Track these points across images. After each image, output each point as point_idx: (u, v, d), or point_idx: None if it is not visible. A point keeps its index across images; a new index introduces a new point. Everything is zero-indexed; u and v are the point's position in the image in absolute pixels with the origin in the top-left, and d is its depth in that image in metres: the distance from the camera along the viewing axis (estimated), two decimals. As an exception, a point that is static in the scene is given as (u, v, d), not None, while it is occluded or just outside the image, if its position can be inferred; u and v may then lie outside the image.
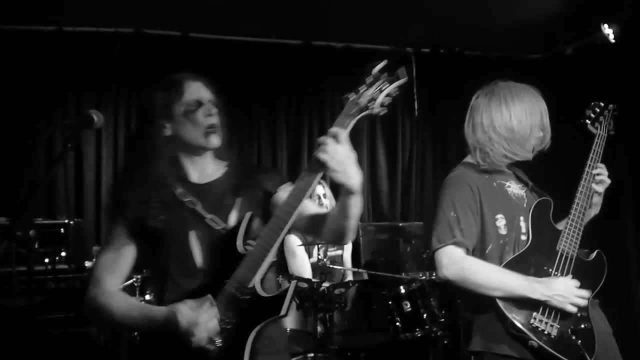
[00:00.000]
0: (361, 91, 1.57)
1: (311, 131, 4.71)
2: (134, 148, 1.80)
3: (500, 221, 1.98)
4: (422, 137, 4.94)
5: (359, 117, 1.56)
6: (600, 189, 2.12)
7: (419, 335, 3.29)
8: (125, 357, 4.07)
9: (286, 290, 1.55)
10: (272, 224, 1.57)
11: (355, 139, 4.63)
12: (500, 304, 1.86)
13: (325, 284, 3.23)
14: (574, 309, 1.85)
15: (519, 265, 1.91)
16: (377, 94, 1.55)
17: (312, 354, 3.08)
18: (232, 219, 1.69)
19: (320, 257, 3.43)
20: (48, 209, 4.03)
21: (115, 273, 1.69)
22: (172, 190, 1.70)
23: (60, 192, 4.12)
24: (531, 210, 2.01)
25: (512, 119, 2.00)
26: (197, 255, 1.67)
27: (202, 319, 1.53)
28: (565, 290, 1.86)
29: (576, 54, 4.68)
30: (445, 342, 3.48)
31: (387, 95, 1.56)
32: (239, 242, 1.60)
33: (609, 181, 2.13)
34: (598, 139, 2.18)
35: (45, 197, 4.08)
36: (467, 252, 1.95)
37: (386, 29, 4.46)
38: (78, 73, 4.20)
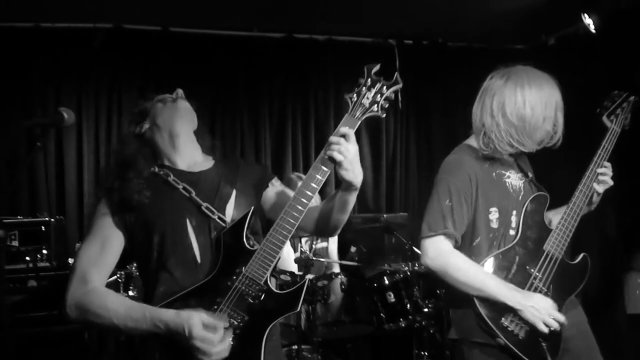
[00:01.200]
0: (362, 93, 1.62)
1: (295, 124, 4.70)
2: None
3: (494, 214, 1.95)
4: (406, 128, 4.94)
5: (363, 118, 1.61)
6: (601, 189, 2.04)
7: (403, 325, 3.31)
8: (111, 355, 4.06)
9: (302, 286, 1.56)
10: (283, 220, 1.56)
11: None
12: (476, 299, 1.87)
13: (309, 276, 3.24)
14: (545, 329, 1.83)
15: (502, 261, 1.91)
16: (378, 97, 1.61)
17: (295, 347, 3.09)
18: (230, 210, 1.67)
19: (303, 249, 3.44)
20: (30, 207, 4.00)
21: (101, 268, 1.60)
22: (163, 178, 1.68)
23: (41, 190, 4.08)
24: (525, 206, 1.98)
25: (526, 106, 1.89)
26: (195, 246, 1.62)
27: (216, 347, 1.46)
28: (542, 308, 1.85)
29: (559, 44, 4.69)
30: (431, 331, 3.50)
31: (386, 99, 1.61)
32: (246, 240, 1.58)
33: (611, 182, 2.04)
34: (610, 134, 2.05)
35: (27, 195, 4.05)
36: (456, 243, 1.94)
37: (369, 21, 4.45)
38: (57, 69, 4.16)
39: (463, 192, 1.92)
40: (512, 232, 1.97)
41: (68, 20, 4.14)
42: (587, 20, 3.71)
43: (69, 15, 4.09)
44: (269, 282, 1.56)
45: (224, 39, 4.49)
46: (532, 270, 1.92)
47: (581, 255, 2.04)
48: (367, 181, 4.80)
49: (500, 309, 1.86)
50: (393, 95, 1.62)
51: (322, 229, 1.76)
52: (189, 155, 1.75)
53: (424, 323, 3.44)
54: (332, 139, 1.56)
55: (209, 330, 1.47)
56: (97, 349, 4.02)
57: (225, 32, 4.48)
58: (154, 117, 1.75)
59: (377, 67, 1.64)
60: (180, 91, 1.81)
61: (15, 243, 3.23)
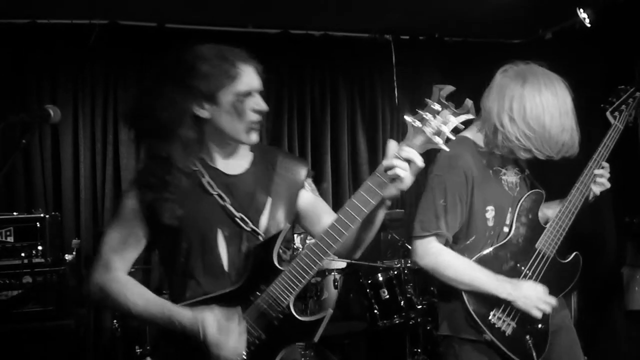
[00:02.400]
0: (426, 118, 1.45)
1: (291, 120, 4.69)
2: (147, 115, 1.55)
3: (490, 213, 1.94)
4: (402, 123, 4.92)
5: (423, 149, 1.45)
6: (598, 190, 2.03)
7: (397, 322, 3.32)
8: (106, 349, 4.09)
9: (323, 318, 1.52)
10: (320, 243, 1.48)
11: (335, 125, 4.69)
12: (464, 294, 1.88)
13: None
14: (538, 314, 1.85)
15: (494, 259, 1.91)
16: (443, 127, 1.44)
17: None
18: (264, 220, 1.61)
19: (296, 246, 3.44)
20: (26, 203, 4.01)
21: (124, 256, 1.59)
22: (198, 178, 1.58)
23: (38, 186, 4.09)
24: (520, 203, 1.97)
25: (545, 114, 1.82)
26: (224, 255, 1.58)
27: (230, 337, 1.47)
28: (533, 294, 1.86)
29: (556, 38, 4.67)
30: (428, 327, 3.51)
31: (454, 129, 1.45)
32: (276, 258, 1.53)
33: (608, 185, 2.02)
34: (612, 130, 2.03)
35: (24, 191, 4.07)
36: (447, 243, 1.93)
37: (365, 16, 4.43)
38: (53, 65, 4.16)
39: (458, 191, 1.89)
40: (505, 229, 1.96)
41: (64, 17, 4.14)
42: (582, 14, 3.69)
43: (65, 11, 4.08)
44: (291, 305, 1.51)
45: (219, 35, 4.48)
46: (523, 268, 1.92)
47: (573, 254, 2.03)
48: (364, 177, 4.79)
49: (489, 305, 1.87)
50: (462, 126, 1.46)
51: (348, 249, 1.67)
52: (231, 153, 1.64)
53: (419, 320, 3.45)
54: (394, 162, 1.42)
55: (223, 332, 1.47)
56: (92, 344, 4.06)
57: (220, 28, 4.47)
58: (224, 105, 1.55)
59: (447, 90, 1.47)
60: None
61: (10, 239, 3.24)
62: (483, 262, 1.90)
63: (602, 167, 2.02)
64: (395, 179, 1.43)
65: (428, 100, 1.45)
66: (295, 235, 3.56)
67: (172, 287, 1.63)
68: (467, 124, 1.50)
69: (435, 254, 1.89)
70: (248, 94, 1.56)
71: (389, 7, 4.26)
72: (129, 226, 1.59)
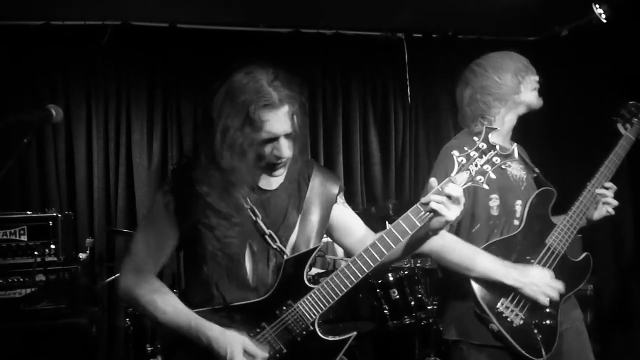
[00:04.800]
0: (473, 156, 1.48)
1: (302, 120, 4.68)
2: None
3: (494, 201, 1.96)
4: (415, 123, 4.88)
5: (464, 186, 1.48)
6: (603, 211, 2.04)
7: (407, 322, 3.28)
8: (118, 347, 4.13)
9: (347, 339, 1.55)
10: (352, 266, 1.51)
11: (347, 125, 4.66)
12: (473, 281, 1.86)
13: (311, 272, 3.23)
14: (546, 300, 1.83)
15: (503, 248, 1.90)
16: (487, 167, 1.48)
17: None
18: (293, 238, 1.63)
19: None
20: (40, 202, 4.07)
21: (155, 259, 1.60)
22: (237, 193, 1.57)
23: (52, 186, 4.14)
24: (531, 199, 1.98)
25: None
26: (250, 269, 1.59)
27: None
28: (539, 280, 1.84)
29: (572, 35, 4.59)
30: (441, 328, 3.47)
31: (495, 170, 1.48)
32: (305, 275, 1.55)
33: (615, 203, 2.04)
34: (624, 141, 2.09)
35: (38, 190, 4.12)
36: (451, 227, 1.93)
37: (376, 14, 4.40)
38: (67, 66, 4.21)
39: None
40: (516, 222, 1.97)
41: (77, 18, 4.19)
42: (598, 10, 3.63)
43: (78, 13, 4.13)
44: (316, 323, 1.53)
45: (231, 35, 4.50)
46: (532, 261, 1.92)
47: (584, 254, 2.03)
48: (376, 177, 4.77)
49: (498, 293, 1.85)
50: (501, 168, 1.48)
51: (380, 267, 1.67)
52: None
53: (430, 320, 3.41)
54: (437, 197, 1.45)
55: (249, 357, 1.48)
56: (104, 342, 4.10)
57: (232, 28, 4.48)
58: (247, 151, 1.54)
59: (496, 132, 1.52)
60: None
61: (24, 237, 3.29)
62: (491, 251, 1.89)
63: (607, 188, 2.03)
64: (447, 211, 1.45)
65: (476, 139, 1.49)
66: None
67: (192, 291, 1.63)
68: None
69: (439, 238, 1.88)
70: (270, 140, 1.54)
71: (401, 5, 4.22)
72: (162, 228, 1.59)
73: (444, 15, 4.46)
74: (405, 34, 4.74)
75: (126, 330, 3.72)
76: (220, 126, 1.51)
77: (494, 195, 1.95)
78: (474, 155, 1.47)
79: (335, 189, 1.73)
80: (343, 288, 1.51)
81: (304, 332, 1.53)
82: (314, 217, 1.66)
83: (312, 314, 1.52)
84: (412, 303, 3.30)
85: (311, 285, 1.53)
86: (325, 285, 1.51)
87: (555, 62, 4.51)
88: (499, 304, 1.85)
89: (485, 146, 1.48)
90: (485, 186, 1.48)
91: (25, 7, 3.95)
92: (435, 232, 1.54)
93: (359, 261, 1.51)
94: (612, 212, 2.06)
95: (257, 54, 4.53)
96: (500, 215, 1.96)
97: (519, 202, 1.98)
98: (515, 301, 1.86)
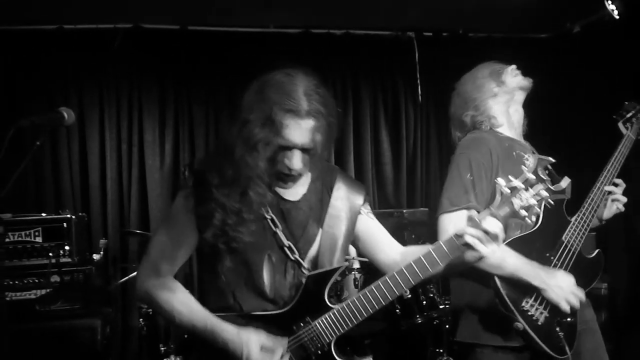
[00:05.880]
0: (518, 188, 1.38)
1: (312, 120, 4.68)
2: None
3: None
4: (426, 122, 4.86)
5: (504, 216, 1.40)
6: (614, 208, 2.07)
7: (419, 322, 3.27)
8: (132, 347, 4.16)
9: None
10: (375, 291, 1.48)
11: (358, 125, 4.65)
12: (497, 280, 1.84)
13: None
14: (567, 308, 1.80)
15: (523, 246, 1.88)
16: (532, 200, 1.38)
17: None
18: (313, 250, 1.60)
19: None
20: (55, 204, 4.12)
21: (172, 261, 1.59)
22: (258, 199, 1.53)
23: (66, 188, 4.19)
24: None
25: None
26: (267, 279, 1.56)
27: None
28: (565, 285, 1.82)
29: (584, 31, 4.54)
30: (449, 327, 3.45)
31: (543, 204, 1.40)
32: (327, 294, 1.52)
33: (624, 199, 2.07)
34: (626, 140, 2.15)
35: (52, 192, 4.17)
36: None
37: (386, 13, 4.39)
38: (80, 69, 4.25)
39: (484, 166, 1.91)
40: (532, 218, 1.95)
41: (89, 22, 4.23)
42: (611, 6, 3.58)
43: (91, 16, 4.17)
44: (332, 344, 1.50)
45: (241, 36, 4.51)
46: (552, 258, 1.91)
47: (596, 251, 2.03)
48: (387, 176, 4.76)
49: (522, 291, 1.83)
50: (551, 203, 1.43)
51: None
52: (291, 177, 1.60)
53: (442, 319, 3.40)
54: (473, 231, 1.38)
55: (266, 353, 1.46)
56: (119, 342, 4.13)
57: (242, 29, 4.50)
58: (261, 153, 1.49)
59: (547, 162, 1.45)
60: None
61: (38, 239, 3.33)
62: (512, 247, 1.87)
63: (616, 185, 2.06)
64: (482, 247, 1.39)
65: (524, 168, 1.40)
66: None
67: (207, 295, 1.62)
68: None
69: None
70: (286, 148, 1.50)
71: (411, 3, 4.21)
72: (181, 230, 1.57)
73: (454, 13, 4.43)
74: (415, 32, 4.72)
75: (140, 330, 3.76)
76: (242, 118, 1.48)
77: None
78: (520, 186, 1.36)
79: (359, 200, 1.67)
80: (364, 313, 1.48)
81: (319, 352, 1.50)
82: (338, 231, 1.61)
83: (329, 335, 1.49)
84: (424, 302, 3.29)
85: (331, 305, 1.50)
86: (346, 308, 1.48)
87: (568, 59, 4.48)
88: (523, 302, 1.83)
89: (533, 178, 1.37)
90: (529, 221, 1.39)
91: (38, 12, 4.00)
92: (468, 264, 1.48)
93: (383, 287, 1.47)
94: (622, 208, 2.07)
95: (267, 55, 4.54)
96: None
97: None
98: (539, 299, 1.85)
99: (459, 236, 1.41)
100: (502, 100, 2.09)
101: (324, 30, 4.64)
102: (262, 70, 5.12)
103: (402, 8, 4.28)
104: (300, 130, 1.46)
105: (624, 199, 2.06)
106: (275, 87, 1.49)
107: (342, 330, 1.49)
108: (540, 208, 1.38)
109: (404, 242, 4.48)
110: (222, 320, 1.52)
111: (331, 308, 1.50)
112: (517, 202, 1.36)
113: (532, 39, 4.87)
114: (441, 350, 3.42)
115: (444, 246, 1.43)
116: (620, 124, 2.22)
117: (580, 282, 1.90)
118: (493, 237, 1.38)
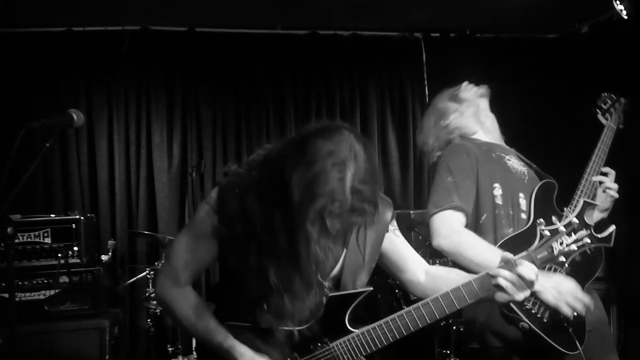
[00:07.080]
0: (560, 232, 1.32)
1: (320, 121, 4.68)
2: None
3: (497, 190, 1.97)
4: (433, 123, 4.85)
5: (541, 265, 1.35)
6: (609, 201, 2.04)
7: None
8: (140, 348, 4.18)
9: None
10: (398, 321, 1.45)
11: (365, 126, 4.66)
12: None
13: None
14: (568, 311, 1.74)
15: (517, 244, 1.85)
16: (574, 246, 1.32)
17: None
18: (335, 271, 1.55)
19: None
20: (64, 205, 4.14)
21: (194, 270, 1.57)
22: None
23: (75, 189, 4.23)
24: (535, 191, 1.98)
25: None
26: (287, 298, 1.49)
27: None
28: (564, 289, 1.76)
29: (592, 32, 4.51)
30: (461, 329, 3.44)
31: (582, 253, 1.33)
32: (348, 317, 1.48)
33: (615, 186, 2.05)
34: (607, 130, 2.20)
35: (61, 194, 4.21)
36: (466, 216, 1.93)
37: (393, 14, 4.39)
38: (88, 71, 4.29)
39: (464, 168, 1.96)
40: (523, 216, 1.96)
41: (98, 24, 4.26)
42: (619, 6, 3.55)
43: (99, 19, 4.21)
44: None
45: (248, 38, 4.53)
46: None
47: (610, 228, 1.99)
48: (395, 177, 4.75)
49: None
50: (589, 252, 1.36)
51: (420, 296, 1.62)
52: None
53: (450, 321, 3.38)
54: (507, 274, 1.33)
55: None
56: (127, 343, 4.15)
57: (249, 31, 4.51)
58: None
59: (592, 206, 1.41)
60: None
61: (47, 240, 3.35)
62: (507, 248, 1.85)
63: (607, 174, 2.06)
64: (501, 289, 1.34)
65: (567, 209, 1.39)
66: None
67: (222, 304, 1.61)
68: None
69: (458, 234, 1.88)
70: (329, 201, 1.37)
71: (418, 4, 4.20)
72: (202, 239, 1.53)
73: (461, 13, 4.43)
74: (422, 33, 4.72)
75: (148, 331, 3.77)
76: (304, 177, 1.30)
77: (496, 184, 1.97)
78: (562, 230, 1.29)
79: (387, 216, 1.58)
80: (384, 341, 1.45)
81: None
82: (363, 251, 1.55)
83: (347, 359, 1.47)
84: (432, 304, 3.28)
85: (351, 329, 1.48)
86: (366, 334, 1.46)
87: (576, 59, 4.45)
88: (526, 301, 1.81)
89: (577, 222, 1.29)
90: (565, 267, 1.38)
91: (47, 15, 4.04)
92: (496, 304, 1.44)
93: (406, 317, 1.44)
94: (615, 195, 2.04)
95: (274, 56, 4.55)
96: (505, 205, 1.95)
97: (522, 195, 1.98)
98: (539, 300, 1.83)
99: (491, 276, 1.36)
100: (469, 113, 2.16)
101: (331, 32, 4.65)
102: (269, 71, 5.14)
103: (409, 9, 4.28)
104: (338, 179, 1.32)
105: (615, 186, 2.06)
106: (322, 178, 1.30)
107: (359, 356, 1.47)
108: (578, 256, 1.34)
109: (410, 243, 4.50)
110: (240, 343, 1.49)
111: (351, 332, 1.47)
112: (556, 248, 1.30)
113: (540, 40, 4.84)
114: (448, 352, 3.41)
115: (474, 283, 1.39)
116: (599, 116, 2.27)
117: (583, 275, 1.89)
118: (528, 284, 1.33)
